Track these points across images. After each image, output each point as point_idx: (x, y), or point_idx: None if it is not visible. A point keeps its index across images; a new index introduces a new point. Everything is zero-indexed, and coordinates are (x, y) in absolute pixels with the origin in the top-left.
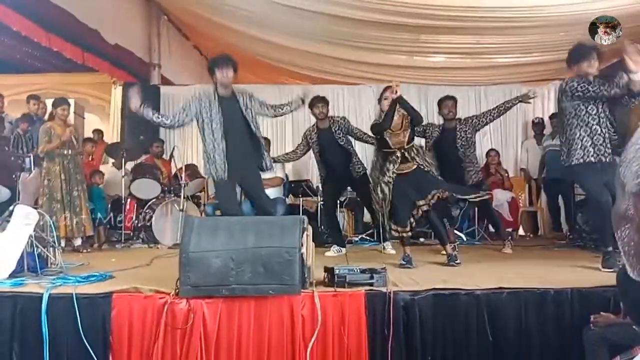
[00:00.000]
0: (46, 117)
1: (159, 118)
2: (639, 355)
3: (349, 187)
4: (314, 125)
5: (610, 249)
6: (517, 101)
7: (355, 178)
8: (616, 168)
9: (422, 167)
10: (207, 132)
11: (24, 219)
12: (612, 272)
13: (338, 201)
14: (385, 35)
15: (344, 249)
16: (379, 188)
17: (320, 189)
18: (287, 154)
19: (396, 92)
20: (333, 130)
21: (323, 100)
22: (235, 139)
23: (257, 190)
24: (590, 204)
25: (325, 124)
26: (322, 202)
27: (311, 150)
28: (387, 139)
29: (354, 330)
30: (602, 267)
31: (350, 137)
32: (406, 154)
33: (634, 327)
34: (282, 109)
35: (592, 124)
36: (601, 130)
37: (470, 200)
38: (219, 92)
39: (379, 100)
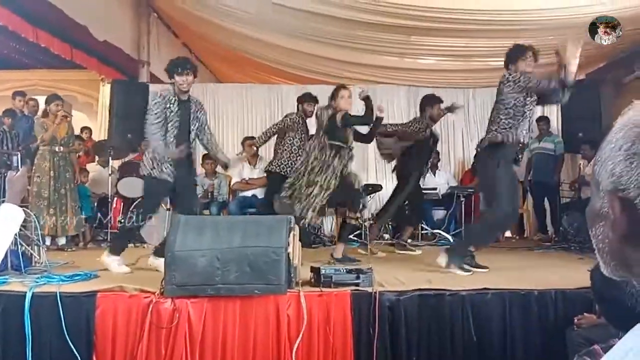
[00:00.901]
0: (39, 113)
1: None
2: (616, 340)
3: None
4: (299, 115)
5: None
6: (446, 112)
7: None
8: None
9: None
10: (161, 131)
11: (10, 218)
12: None
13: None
14: (375, 36)
15: None
16: (324, 176)
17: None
18: (266, 132)
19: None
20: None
21: (314, 100)
22: (183, 143)
23: (187, 198)
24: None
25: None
26: None
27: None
28: (347, 135)
29: (339, 330)
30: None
31: None
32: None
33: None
34: (214, 148)
35: (527, 115)
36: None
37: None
38: (178, 96)
39: (333, 98)
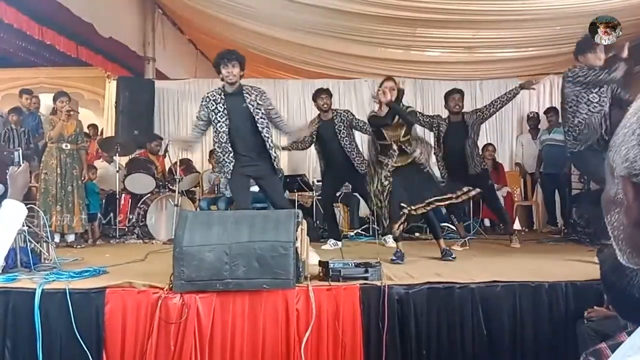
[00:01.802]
0: (42, 110)
1: (196, 138)
2: (624, 339)
3: (347, 182)
4: (317, 116)
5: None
6: (520, 89)
7: (354, 172)
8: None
9: (418, 163)
10: (215, 132)
11: (13, 213)
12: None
13: (336, 195)
14: (381, 29)
15: (340, 243)
16: (377, 181)
17: (316, 183)
18: (294, 142)
19: (385, 94)
20: (335, 123)
21: (327, 92)
22: (244, 136)
23: (271, 190)
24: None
25: (327, 116)
26: (318, 196)
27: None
28: (383, 131)
29: (348, 324)
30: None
31: (352, 132)
32: (403, 147)
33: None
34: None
35: (593, 112)
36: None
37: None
38: (225, 89)
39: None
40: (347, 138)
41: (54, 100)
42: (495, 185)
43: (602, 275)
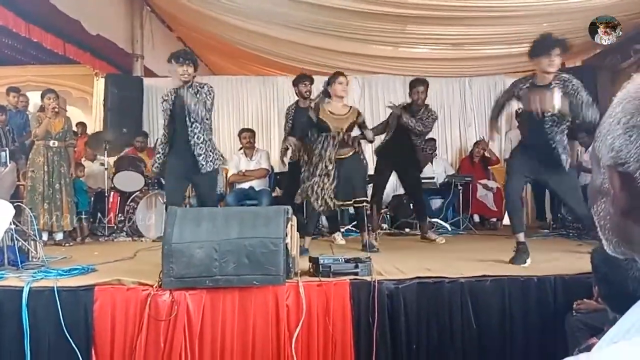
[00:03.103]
0: (29, 109)
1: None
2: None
3: None
4: (294, 103)
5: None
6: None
7: None
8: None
9: (357, 155)
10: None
11: (0, 214)
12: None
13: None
14: (370, 26)
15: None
16: (322, 165)
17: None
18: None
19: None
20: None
21: (309, 79)
22: (179, 134)
23: (200, 189)
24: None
25: (306, 103)
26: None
27: None
28: (325, 120)
29: (338, 320)
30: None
31: None
32: (345, 138)
33: (608, 310)
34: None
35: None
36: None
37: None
38: (176, 87)
39: (329, 84)
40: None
41: (42, 97)
42: (485, 180)
43: (594, 267)
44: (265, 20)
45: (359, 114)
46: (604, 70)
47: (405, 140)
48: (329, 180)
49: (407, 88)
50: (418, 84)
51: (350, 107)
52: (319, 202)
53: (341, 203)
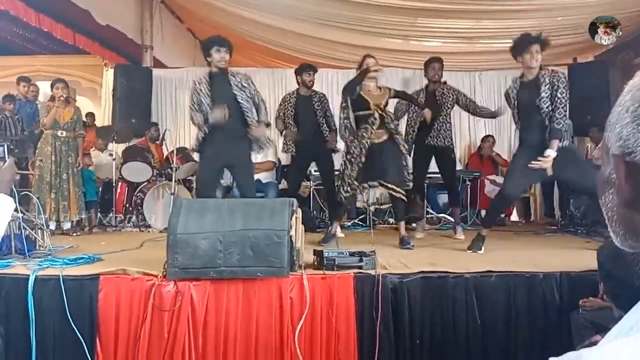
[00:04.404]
0: (39, 98)
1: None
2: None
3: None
4: (294, 90)
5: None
6: (496, 115)
7: (324, 150)
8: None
9: (395, 141)
10: (200, 112)
11: (0, 208)
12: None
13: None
14: (381, 19)
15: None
16: (353, 147)
17: (314, 173)
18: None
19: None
20: (313, 101)
21: (313, 68)
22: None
23: (242, 176)
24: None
25: (307, 92)
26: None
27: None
28: (366, 98)
29: (342, 313)
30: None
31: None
32: (384, 116)
33: (613, 309)
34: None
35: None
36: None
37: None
38: (212, 72)
39: (360, 66)
40: (322, 118)
41: (51, 87)
42: (493, 176)
43: (599, 263)
44: (275, 12)
45: (390, 89)
46: (616, 66)
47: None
48: (359, 166)
49: (417, 81)
50: (434, 61)
51: (381, 87)
52: (345, 188)
53: (383, 184)
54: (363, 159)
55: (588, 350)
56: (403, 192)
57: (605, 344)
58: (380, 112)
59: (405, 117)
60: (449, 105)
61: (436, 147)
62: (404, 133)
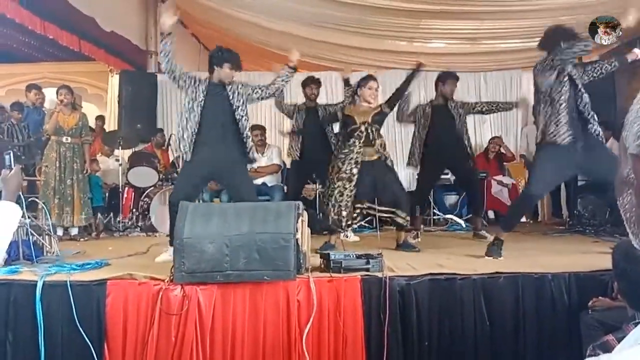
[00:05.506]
0: (45, 105)
1: (166, 56)
2: (631, 330)
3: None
4: (303, 102)
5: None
6: (514, 107)
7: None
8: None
9: (385, 161)
10: (187, 109)
11: (7, 216)
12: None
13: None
14: (385, 21)
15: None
16: (346, 164)
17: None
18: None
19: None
20: (320, 114)
21: (317, 82)
22: (215, 127)
23: (237, 186)
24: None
25: (312, 104)
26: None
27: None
28: (351, 114)
29: (349, 316)
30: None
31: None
32: (370, 130)
33: (627, 308)
34: (275, 85)
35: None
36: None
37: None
38: (211, 80)
39: (359, 86)
40: (327, 131)
41: (56, 94)
42: (500, 177)
43: (614, 263)
44: (279, 16)
45: (381, 105)
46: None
47: (452, 133)
48: (350, 185)
49: (421, 82)
50: (452, 77)
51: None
52: (335, 210)
53: (380, 209)
54: (355, 175)
55: (607, 357)
56: (402, 215)
57: (625, 348)
58: (366, 127)
59: (413, 130)
60: (463, 119)
61: (453, 159)
62: (410, 145)
